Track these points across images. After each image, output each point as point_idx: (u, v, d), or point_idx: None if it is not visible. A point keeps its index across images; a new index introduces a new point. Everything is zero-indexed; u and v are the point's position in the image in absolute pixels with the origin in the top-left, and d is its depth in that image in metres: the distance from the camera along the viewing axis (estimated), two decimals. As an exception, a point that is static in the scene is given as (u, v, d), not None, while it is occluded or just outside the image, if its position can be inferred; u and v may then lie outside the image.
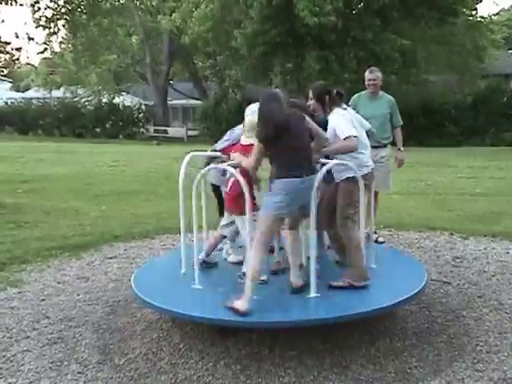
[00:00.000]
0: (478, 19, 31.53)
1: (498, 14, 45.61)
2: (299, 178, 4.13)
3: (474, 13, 30.99)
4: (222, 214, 5.24)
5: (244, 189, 4.30)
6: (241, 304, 4.04)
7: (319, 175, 4.28)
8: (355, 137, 4.46)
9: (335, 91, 4.70)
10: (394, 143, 6.96)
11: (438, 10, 26.86)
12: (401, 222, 8.36)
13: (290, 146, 4.15)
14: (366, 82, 6.61)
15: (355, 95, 6.76)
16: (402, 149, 6.83)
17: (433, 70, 30.45)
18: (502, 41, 33.25)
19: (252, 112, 4.63)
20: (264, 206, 4.21)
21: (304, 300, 4.31)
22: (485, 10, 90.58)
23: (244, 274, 4.46)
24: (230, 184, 4.80)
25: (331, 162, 4.46)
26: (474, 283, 5.74)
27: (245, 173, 4.44)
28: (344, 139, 4.43)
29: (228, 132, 5.30)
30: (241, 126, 5.04)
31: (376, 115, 6.34)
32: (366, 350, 4.25)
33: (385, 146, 6.43)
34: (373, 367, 4.02)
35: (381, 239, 6.99)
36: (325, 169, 4.35)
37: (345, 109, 4.72)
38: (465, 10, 28.73)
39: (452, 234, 7.72)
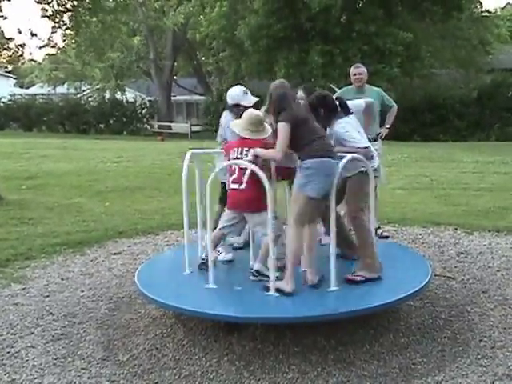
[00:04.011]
0: (484, 13, 31.42)
1: (504, 8, 45.47)
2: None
3: (479, 7, 30.89)
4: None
5: (267, 185, 4.20)
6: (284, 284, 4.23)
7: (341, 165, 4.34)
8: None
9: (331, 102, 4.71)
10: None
11: (443, 4, 26.76)
12: (405, 218, 8.33)
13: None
14: (352, 78, 6.72)
15: (341, 89, 6.83)
16: (388, 126, 6.86)
17: (438, 64, 30.37)
18: (508, 33, 33.15)
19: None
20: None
21: (307, 296, 4.29)
22: (491, 3, 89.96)
23: (258, 271, 4.52)
24: (235, 180, 4.57)
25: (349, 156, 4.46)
26: (479, 278, 5.71)
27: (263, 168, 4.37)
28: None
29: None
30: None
31: None
32: (369, 346, 4.24)
33: (375, 139, 6.45)
34: (377, 363, 4.01)
35: (385, 233, 7.04)
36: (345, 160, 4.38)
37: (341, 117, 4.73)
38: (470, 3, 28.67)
39: (456, 229, 7.69)
